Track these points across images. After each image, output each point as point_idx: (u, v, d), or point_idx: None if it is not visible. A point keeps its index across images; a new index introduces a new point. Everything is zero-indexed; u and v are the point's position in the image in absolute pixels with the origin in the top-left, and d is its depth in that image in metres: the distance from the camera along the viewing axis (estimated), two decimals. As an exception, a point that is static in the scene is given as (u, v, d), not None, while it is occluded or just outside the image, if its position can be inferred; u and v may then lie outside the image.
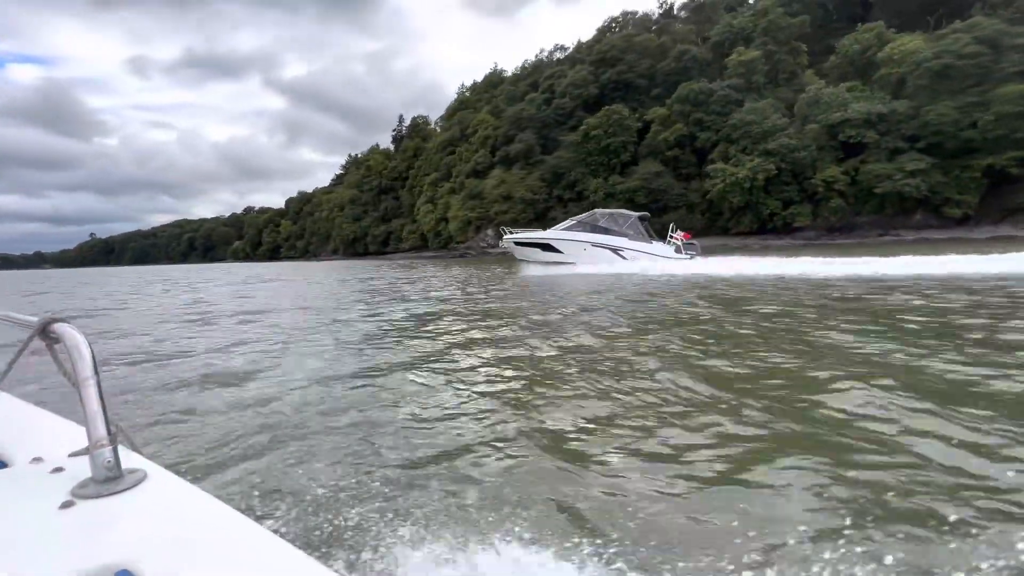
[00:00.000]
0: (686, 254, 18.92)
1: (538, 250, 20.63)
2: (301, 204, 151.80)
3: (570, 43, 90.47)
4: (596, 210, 22.40)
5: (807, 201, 43.43)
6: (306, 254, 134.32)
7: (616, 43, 63.01)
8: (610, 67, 61.69)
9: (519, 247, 21.45)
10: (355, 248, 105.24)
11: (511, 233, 22.27)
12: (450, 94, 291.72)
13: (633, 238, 19.28)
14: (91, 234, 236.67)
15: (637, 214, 20.43)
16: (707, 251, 24.35)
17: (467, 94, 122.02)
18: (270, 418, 3.64)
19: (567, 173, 57.21)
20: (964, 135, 37.29)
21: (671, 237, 19.88)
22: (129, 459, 0.94)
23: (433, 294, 14.02)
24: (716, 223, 49.05)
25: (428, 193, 79.42)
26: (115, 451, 0.88)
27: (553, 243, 20.15)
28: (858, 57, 45.44)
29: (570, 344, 5.95)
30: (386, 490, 2.48)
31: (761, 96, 48.10)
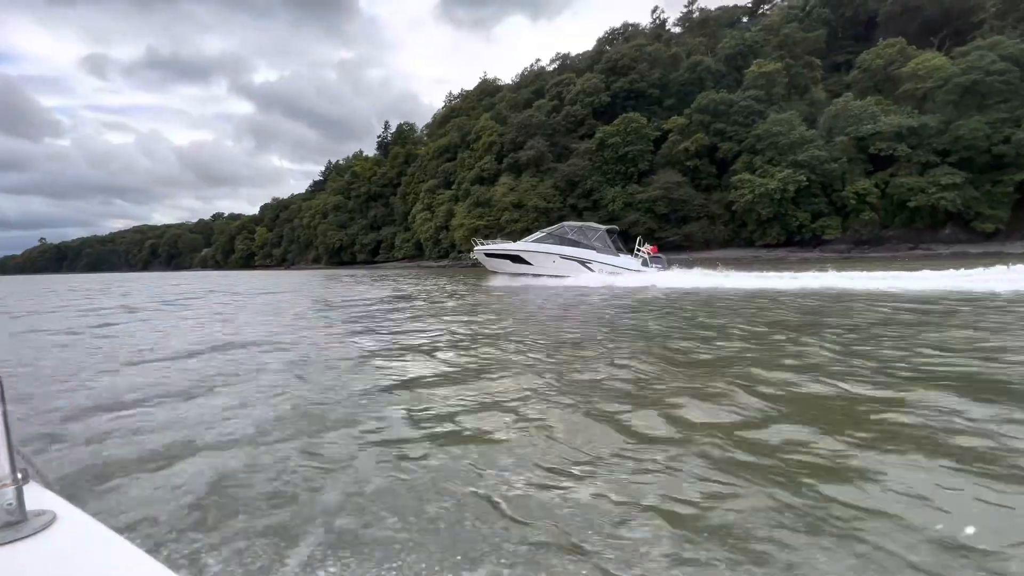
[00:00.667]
0: (653, 267, 19.09)
1: (508, 261, 20.75)
2: (277, 211, 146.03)
3: (554, 56, 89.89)
4: (565, 223, 22.52)
5: (836, 213, 43.04)
6: (283, 262, 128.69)
7: (627, 52, 62.28)
8: (621, 76, 60.80)
9: (489, 258, 21.50)
10: (340, 257, 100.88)
11: (481, 244, 22.23)
12: (425, 104, 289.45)
13: (601, 251, 19.42)
14: (41, 239, 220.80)
15: (605, 227, 20.62)
16: (737, 264, 23.43)
17: (455, 102, 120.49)
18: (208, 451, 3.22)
19: (582, 181, 55.57)
20: (996, 150, 37.55)
21: (638, 250, 19.95)
22: (42, 498, 0.86)
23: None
24: (740, 235, 48.26)
25: (425, 200, 76.56)
26: (19, 491, 0.78)
27: (523, 255, 20.26)
28: (881, 71, 45.76)
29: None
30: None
31: (782, 108, 47.85)
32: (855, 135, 41.75)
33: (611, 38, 79.88)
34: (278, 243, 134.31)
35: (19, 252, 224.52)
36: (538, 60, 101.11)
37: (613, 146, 53.59)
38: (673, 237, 50.19)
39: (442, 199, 71.76)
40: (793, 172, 42.43)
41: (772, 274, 17.45)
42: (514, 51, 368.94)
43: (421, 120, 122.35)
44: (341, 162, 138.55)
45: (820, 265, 26.91)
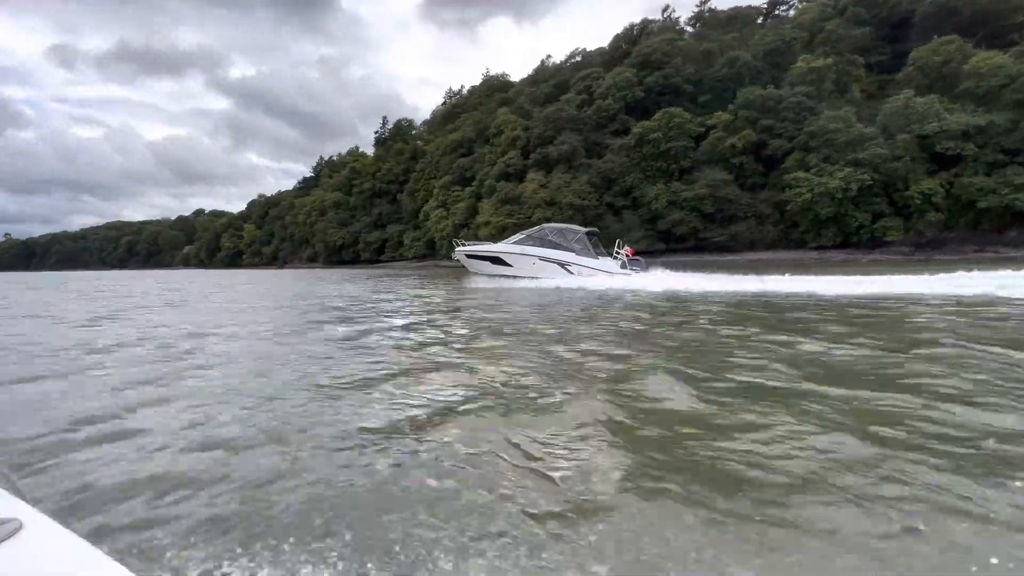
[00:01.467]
0: (631, 270, 19.18)
1: (488, 263, 20.97)
2: (266, 207, 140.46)
3: (572, 51, 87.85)
4: (545, 224, 22.48)
5: (896, 214, 41.59)
6: (274, 260, 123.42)
7: (659, 46, 60.29)
8: (655, 70, 58.77)
9: (470, 260, 21.68)
10: (341, 256, 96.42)
11: (462, 245, 22.50)
12: (408, 105, 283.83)
13: (580, 253, 19.49)
14: (6, 235, 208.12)
15: (585, 229, 20.64)
16: (803, 268, 21.76)
17: (455, 98, 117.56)
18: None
19: (620, 178, 53.20)
20: (1069, 150, 36.55)
21: (617, 253, 20.06)
22: (7, 505, 0.83)
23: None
24: (790, 236, 46.54)
25: (440, 197, 73.18)
26: None
27: (503, 256, 20.44)
28: (936, 69, 44.64)
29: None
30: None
31: (834, 105, 46.38)
32: (919, 133, 40.36)
33: (629, 35, 78.02)
34: (268, 241, 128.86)
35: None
36: (550, 56, 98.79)
37: (654, 142, 51.34)
38: (719, 237, 48.27)
39: (460, 196, 68.50)
40: (854, 171, 40.82)
41: (766, 278, 16.55)
42: (500, 53, 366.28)
43: (430, 114, 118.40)
44: (335, 158, 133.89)
45: (880, 268, 25.06)
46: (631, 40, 77.13)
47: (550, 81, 73.76)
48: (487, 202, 60.88)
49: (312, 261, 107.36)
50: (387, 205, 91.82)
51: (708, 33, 66.05)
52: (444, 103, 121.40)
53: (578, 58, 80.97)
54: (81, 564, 0.69)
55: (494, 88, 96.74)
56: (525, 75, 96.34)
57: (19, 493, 0.88)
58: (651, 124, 52.17)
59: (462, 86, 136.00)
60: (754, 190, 49.27)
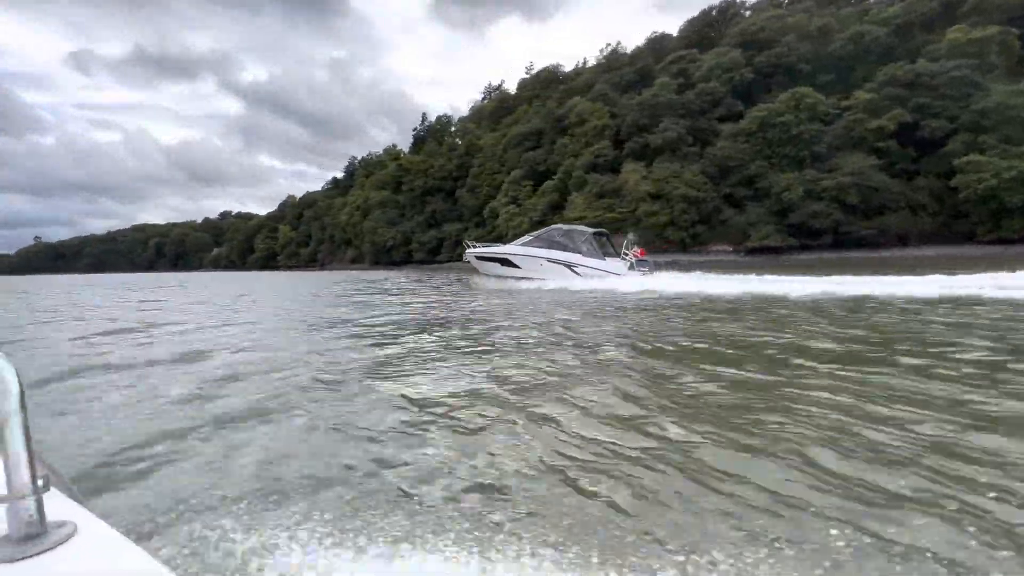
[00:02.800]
0: (638, 270, 18.86)
1: (497, 264, 21.09)
2: (300, 208, 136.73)
3: (650, 35, 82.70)
4: (554, 226, 22.42)
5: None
6: (313, 262, 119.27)
7: (766, 24, 54.83)
8: (763, 49, 53.28)
9: (480, 261, 21.86)
10: (391, 256, 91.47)
11: (473, 247, 22.69)
12: (418, 104, 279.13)
13: (587, 254, 19.35)
14: (36, 237, 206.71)
15: (593, 230, 20.47)
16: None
17: (493, 94, 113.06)
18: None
19: (740, 167, 47.68)
20: None
21: (625, 254, 19.72)
22: (62, 507, 0.82)
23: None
24: (952, 228, 40.75)
25: (509, 193, 68.10)
26: (39, 502, 0.73)
27: (512, 258, 20.52)
28: None
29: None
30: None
31: (999, 79, 40.62)
32: None
33: (706, 17, 72.58)
34: (305, 242, 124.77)
35: (11, 252, 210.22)
36: (608, 44, 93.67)
37: (782, 125, 45.79)
38: (864, 231, 42.54)
39: (540, 191, 63.21)
40: (1053, 151, 35.05)
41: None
42: (511, 54, 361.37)
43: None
44: (369, 157, 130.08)
45: None
46: (708, 23, 71.85)
47: (630, 66, 68.34)
48: (578, 196, 55.58)
49: (356, 262, 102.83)
50: (441, 203, 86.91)
51: (814, 9, 60.36)
52: (484, 99, 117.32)
53: (628, 49, 75.51)
54: (134, 572, 0.68)
55: (549, 80, 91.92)
56: (581, 64, 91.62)
57: (76, 496, 0.84)
58: (776, 107, 46.63)
59: (502, 81, 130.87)
60: (900, 177, 43.53)
